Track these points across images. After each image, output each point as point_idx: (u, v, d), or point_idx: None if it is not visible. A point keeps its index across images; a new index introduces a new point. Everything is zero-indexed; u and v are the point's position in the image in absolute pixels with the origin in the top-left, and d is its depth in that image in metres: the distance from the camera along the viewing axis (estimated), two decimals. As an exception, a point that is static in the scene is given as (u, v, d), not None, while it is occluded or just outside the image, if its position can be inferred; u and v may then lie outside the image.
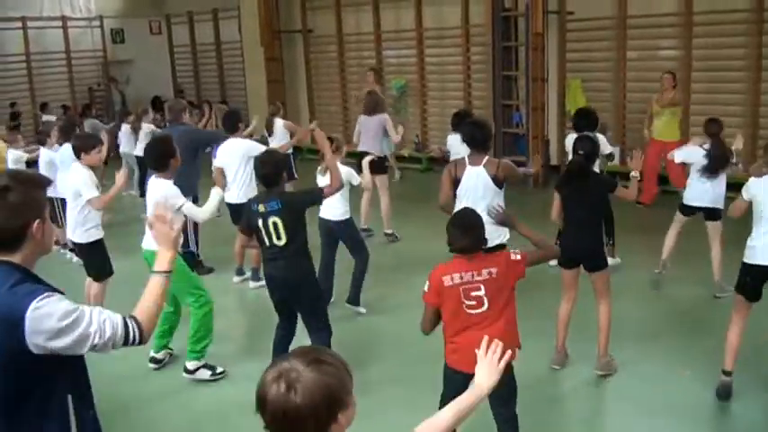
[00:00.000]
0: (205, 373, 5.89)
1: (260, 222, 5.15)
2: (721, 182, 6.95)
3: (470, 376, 4.14)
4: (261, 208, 5.16)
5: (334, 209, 6.81)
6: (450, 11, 13.82)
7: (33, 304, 2.43)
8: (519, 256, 4.08)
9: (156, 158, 5.84)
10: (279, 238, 5.13)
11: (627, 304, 6.64)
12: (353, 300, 7.09)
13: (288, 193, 5.47)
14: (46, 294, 2.47)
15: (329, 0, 15.58)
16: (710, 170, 6.85)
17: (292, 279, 5.23)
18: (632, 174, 5.91)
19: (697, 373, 5.59)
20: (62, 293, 2.57)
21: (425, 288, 4.08)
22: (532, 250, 4.29)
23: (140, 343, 2.70)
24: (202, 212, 6.07)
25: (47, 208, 2.66)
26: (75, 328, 2.49)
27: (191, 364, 5.89)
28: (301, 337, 5.43)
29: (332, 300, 7.11)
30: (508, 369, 4.14)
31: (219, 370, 5.93)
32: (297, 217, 5.19)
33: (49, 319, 2.44)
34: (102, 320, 2.57)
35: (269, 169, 5.24)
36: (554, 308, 5.78)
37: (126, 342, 2.64)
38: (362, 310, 7.09)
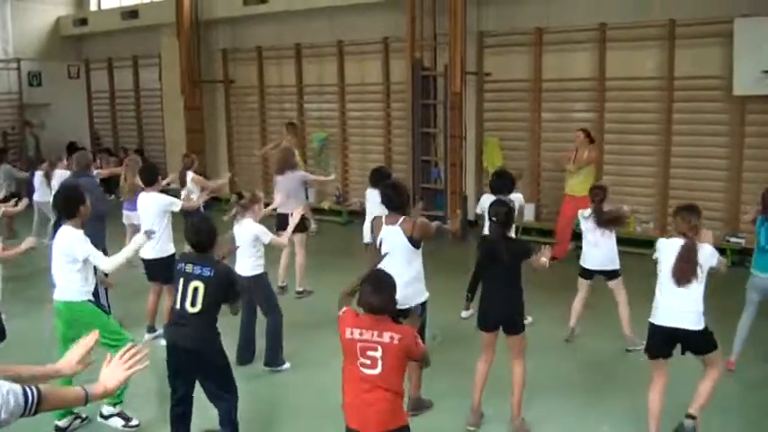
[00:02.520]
0: (118, 422, 5.74)
1: (180, 282, 5.00)
2: (610, 244, 7.17)
3: None
4: (188, 268, 5.01)
5: (244, 263, 6.73)
6: (371, 67, 14.06)
7: None
8: (421, 347, 4.10)
9: (65, 205, 5.63)
10: (194, 304, 4.93)
11: (541, 359, 6.68)
12: (271, 361, 6.92)
13: (224, 266, 5.22)
14: None
15: (252, 52, 15.64)
16: (597, 228, 7.13)
17: (195, 348, 4.98)
18: (542, 260, 5.60)
19: (613, 428, 5.65)
20: None
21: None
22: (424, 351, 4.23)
23: (33, 413, 2.56)
24: (111, 261, 5.74)
25: None
26: None
27: (106, 410, 5.73)
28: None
29: (255, 357, 7.01)
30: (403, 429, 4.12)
31: (134, 423, 5.77)
32: (220, 293, 5.02)
33: None
34: (5, 392, 2.45)
35: (204, 237, 5.15)
36: (470, 364, 5.77)
37: (24, 411, 2.50)
38: (286, 366, 6.94)
